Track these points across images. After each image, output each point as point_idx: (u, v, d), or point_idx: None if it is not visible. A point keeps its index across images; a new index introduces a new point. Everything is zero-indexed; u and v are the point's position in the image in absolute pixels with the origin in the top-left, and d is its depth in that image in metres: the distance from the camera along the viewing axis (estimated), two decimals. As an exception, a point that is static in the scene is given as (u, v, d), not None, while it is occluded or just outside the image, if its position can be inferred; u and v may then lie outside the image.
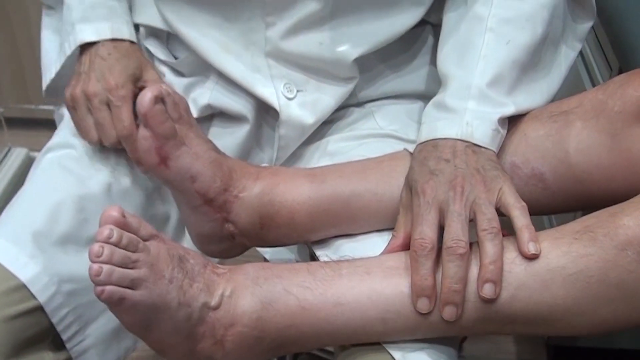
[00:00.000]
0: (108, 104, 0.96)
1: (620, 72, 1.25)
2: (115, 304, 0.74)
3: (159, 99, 0.84)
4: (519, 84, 0.91)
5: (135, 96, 0.94)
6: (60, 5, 1.04)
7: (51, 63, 1.07)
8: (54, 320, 0.90)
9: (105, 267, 0.73)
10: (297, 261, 1.06)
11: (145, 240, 0.78)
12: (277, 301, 0.80)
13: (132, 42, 1.02)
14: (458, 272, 0.78)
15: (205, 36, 1.00)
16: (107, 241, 0.74)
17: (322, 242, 0.94)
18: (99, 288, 0.73)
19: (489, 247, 0.78)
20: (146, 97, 0.83)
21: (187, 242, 1.04)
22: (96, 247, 0.74)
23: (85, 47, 1.00)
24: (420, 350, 0.81)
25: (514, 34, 0.91)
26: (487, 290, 0.77)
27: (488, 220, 0.79)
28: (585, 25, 0.99)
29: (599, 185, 0.86)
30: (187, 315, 0.78)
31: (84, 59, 1.00)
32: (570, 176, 0.87)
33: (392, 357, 0.81)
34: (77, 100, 0.98)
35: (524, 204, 0.81)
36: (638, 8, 1.22)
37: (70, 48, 1.01)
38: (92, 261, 0.73)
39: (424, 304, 0.78)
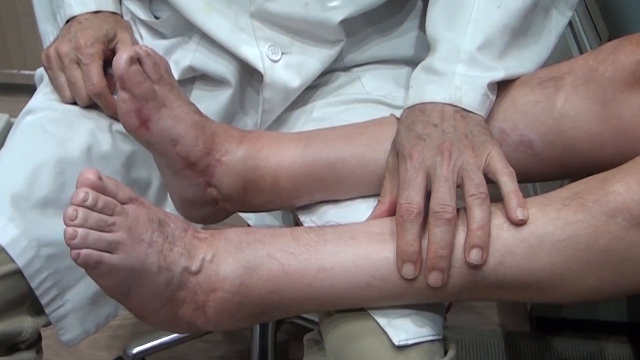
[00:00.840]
0: (78, 63, 0.98)
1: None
2: (92, 268, 0.73)
3: (135, 60, 0.82)
4: (509, 49, 0.89)
5: (106, 56, 0.99)
6: None
7: (48, 31, 1.09)
8: (33, 284, 0.88)
9: (80, 230, 0.72)
10: (281, 227, 1.04)
11: (123, 203, 0.76)
12: (260, 266, 0.79)
13: (114, 13, 1.03)
14: (445, 238, 0.76)
15: None
16: (81, 204, 0.73)
17: (307, 207, 0.93)
18: (74, 251, 0.72)
19: (477, 212, 0.77)
20: (121, 59, 0.81)
21: (170, 207, 1.03)
22: (70, 210, 0.72)
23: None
24: (406, 316, 0.80)
25: None
26: (474, 255, 0.76)
27: (476, 185, 0.78)
28: None
29: (589, 152, 0.85)
30: (168, 280, 0.76)
31: (66, 26, 1.02)
32: (560, 143, 0.86)
33: (377, 323, 0.80)
34: (50, 59, 1.00)
35: (512, 169, 0.80)
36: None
37: (62, 21, 1.03)
38: (67, 224, 0.72)
39: (409, 270, 0.77)
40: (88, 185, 0.74)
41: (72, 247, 0.72)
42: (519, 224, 0.77)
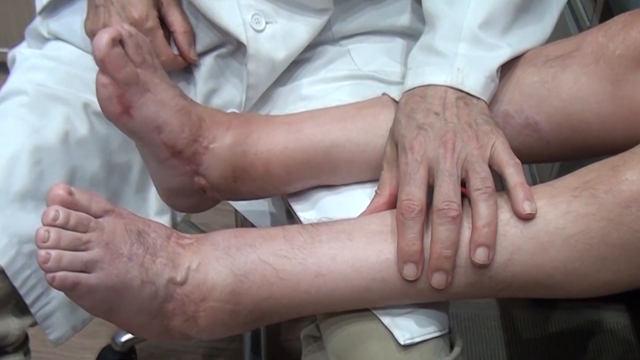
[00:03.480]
0: None
1: (606, 4, 1.20)
2: (69, 290, 0.70)
3: (117, 41, 0.77)
4: (512, 26, 0.85)
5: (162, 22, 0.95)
6: None
7: None
8: (16, 283, 0.86)
9: (54, 252, 0.68)
10: (272, 213, 1.01)
11: (98, 217, 0.72)
12: (252, 272, 0.75)
13: None
14: (450, 237, 0.73)
15: None
16: (53, 224, 0.69)
17: (300, 195, 0.90)
18: (49, 275, 0.68)
19: (483, 208, 0.73)
20: (102, 40, 0.76)
21: (153, 192, 1.01)
22: (41, 231, 0.69)
23: None
24: (410, 314, 0.78)
25: None
26: (480, 255, 0.73)
27: (482, 179, 0.75)
28: None
29: (598, 134, 0.81)
30: (152, 294, 0.73)
31: None
32: (567, 126, 0.82)
33: (382, 323, 0.77)
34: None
35: (517, 160, 0.76)
36: None
37: None
38: (39, 247, 0.69)
39: (410, 271, 0.74)
40: (58, 202, 0.70)
41: (46, 271, 0.68)
42: (527, 218, 0.73)
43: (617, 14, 0.83)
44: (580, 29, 1.28)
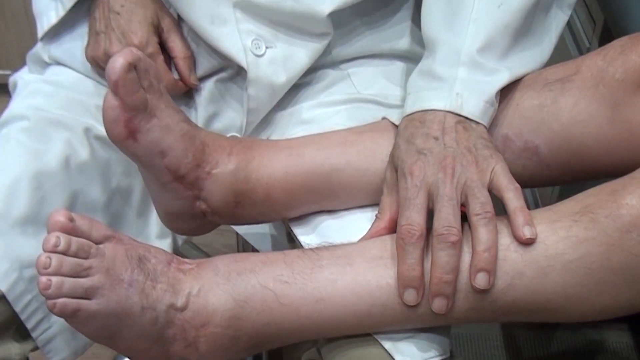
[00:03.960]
0: None
1: (606, 27, 1.20)
2: (70, 317, 0.70)
3: (132, 66, 0.76)
4: (511, 50, 0.86)
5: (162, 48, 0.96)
6: None
7: (48, 6, 1.00)
8: (17, 308, 0.86)
9: (55, 279, 0.69)
10: (273, 235, 1.01)
11: (98, 243, 0.73)
12: (253, 298, 0.75)
13: None
14: (450, 262, 0.73)
15: None
16: (54, 250, 0.70)
17: (301, 219, 0.90)
18: (50, 301, 0.69)
19: (483, 233, 0.73)
20: (118, 63, 0.75)
21: (154, 216, 1.01)
22: (43, 258, 0.69)
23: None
24: (411, 338, 0.78)
25: None
26: (480, 280, 0.73)
27: (481, 204, 0.75)
28: None
29: (598, 158, 0.81)
30: (153, 320, 0.73)
31: (98, 15, 0.96)
32: (567, 149, 0.82)
33: (383, 348, 0.77)
34: (101, 63, 0.96)
35: (517, 185, 0.77)
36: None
37: None
38: (40, 274, 0.69)
39: (411, 296, 0.74)
40: (59, 229, 0.70)
41: (47, 298, 0.69)
42: (527, 242, 0.73)
43: (617, 35, 0.83)
44: (580, 50, 1.29)
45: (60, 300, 0.69)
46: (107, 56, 0.94)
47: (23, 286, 0.85)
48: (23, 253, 0.86)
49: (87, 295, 0.70)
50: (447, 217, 0.74)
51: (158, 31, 0.96)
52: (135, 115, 0.79)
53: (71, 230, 0.71)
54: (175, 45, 0.96)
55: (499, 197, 0.77)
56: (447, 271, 0.73)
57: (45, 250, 0.69)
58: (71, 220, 0.71)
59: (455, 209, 0.75)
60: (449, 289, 0.73)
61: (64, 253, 0.70)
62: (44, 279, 0.69)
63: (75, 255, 0.70)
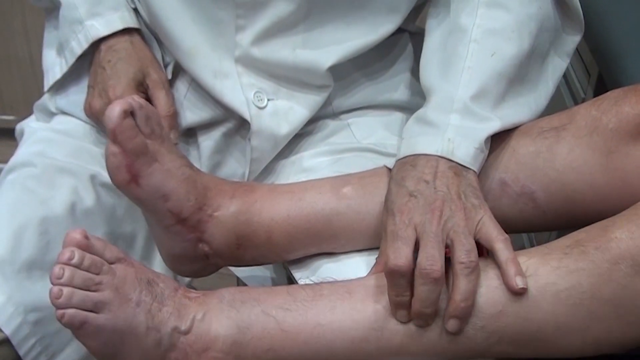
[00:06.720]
0: None
1: (600, 78, 1.22)
2: (77, 328, 0.72)
3: (129, 113, 0.79)
4: (505, 98, 0.87)
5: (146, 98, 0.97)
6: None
7: (54, 62, 1.04)
8: (21, 352, 0.86)
9: (66, 289, 0.71)
10: (273, 278, 1.02)
11: (111, 263, 0.75)
12: (255, 324, 0.77)
13: (138, 30, 1.00)
14: (429, 297, 0.75)
15: (175, 34, 0.96)
16: (68, 263, 0.72)
17: (300, 262, 0.91)
18: (60, 311, 0.71)
19: (463, 284, 0.75)
20: (114, 112, 0.79)
21: (157, 261, 1.02)
22: (56, 268, 0.72)
23: (95, 50, 0.99)
24: None
25: (499, 45, 0.87)
26: (452, 325, 0.75)
27: (467, 252, 0.76)
28: (574, 39, 0.95)
29: (592, 205, 0.83)
30: (157, 341, 0.75)
31: (92, 70, 0.99)
32: (562, 195, 0.84)
33: None
34: (89, 116, 1.00)
35: (506, 236, 0.78)
36: (619, 12, 1.18)
37: (81, 47, 0.99)
38: (53, 283, 0.72)
39: (402, 317, 0.77)
40: (74, 245, 0.73)
41: (57, 307, 0.71)
42: (520, 292, 0.75)
43: (610, 86, 0.85)
44: (576, 100, 1.31)
45: (70, 311, 0.71)
46: (91, 110, 0.97)
47: (27, 330, 0.86)
48: (28, 297, 0.87)
49: (95, 309, 0.72)
50: (432, 252, 0.75)
51: (143, 87, 0.98)
52: (136, 160, 0.81)
53: (86, 247, 0.73)
54: (159, 102, 0.97)
55: (489, 247, 0.78)
56: (426, 305, 0.75)
57: (59, 262, 0.72)
58: (87, 237, 0.74)
59: (440, 246, 0.76)
60: (428, 320, 0.76)
61: (77, 267, 0.72)
62: (55, 288, 0.71)
63: (87, 270, 0.73)
